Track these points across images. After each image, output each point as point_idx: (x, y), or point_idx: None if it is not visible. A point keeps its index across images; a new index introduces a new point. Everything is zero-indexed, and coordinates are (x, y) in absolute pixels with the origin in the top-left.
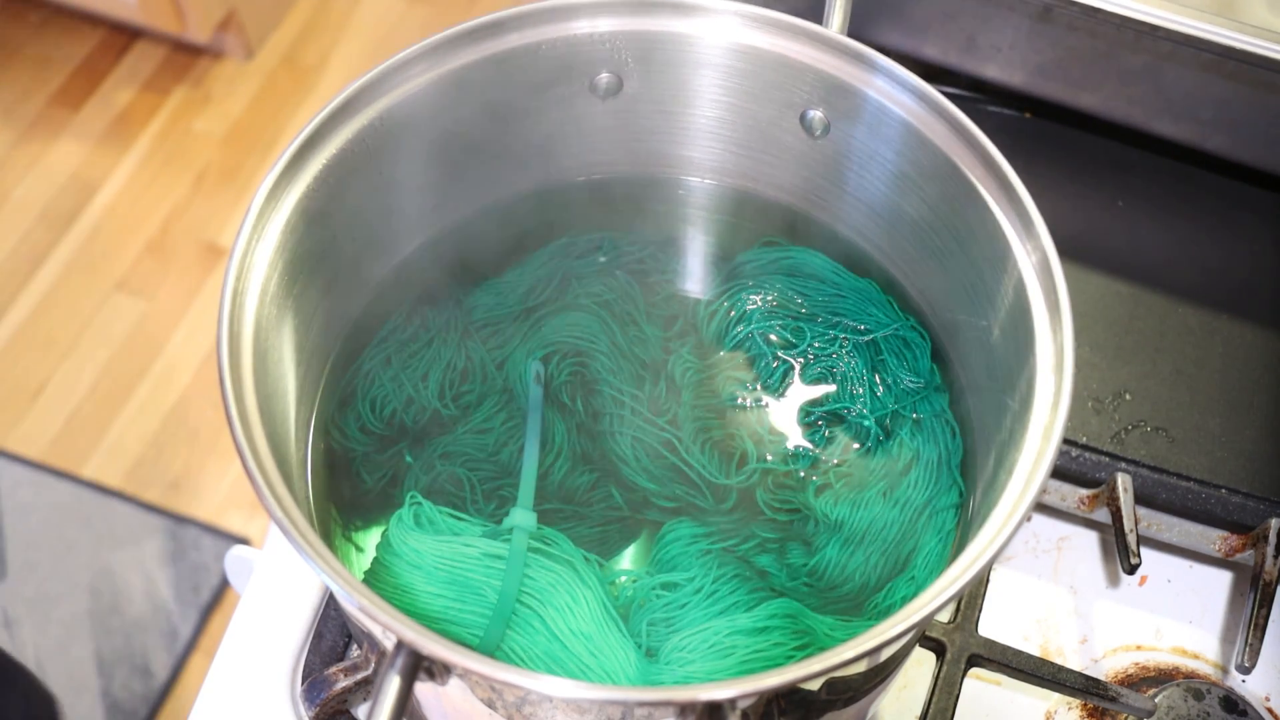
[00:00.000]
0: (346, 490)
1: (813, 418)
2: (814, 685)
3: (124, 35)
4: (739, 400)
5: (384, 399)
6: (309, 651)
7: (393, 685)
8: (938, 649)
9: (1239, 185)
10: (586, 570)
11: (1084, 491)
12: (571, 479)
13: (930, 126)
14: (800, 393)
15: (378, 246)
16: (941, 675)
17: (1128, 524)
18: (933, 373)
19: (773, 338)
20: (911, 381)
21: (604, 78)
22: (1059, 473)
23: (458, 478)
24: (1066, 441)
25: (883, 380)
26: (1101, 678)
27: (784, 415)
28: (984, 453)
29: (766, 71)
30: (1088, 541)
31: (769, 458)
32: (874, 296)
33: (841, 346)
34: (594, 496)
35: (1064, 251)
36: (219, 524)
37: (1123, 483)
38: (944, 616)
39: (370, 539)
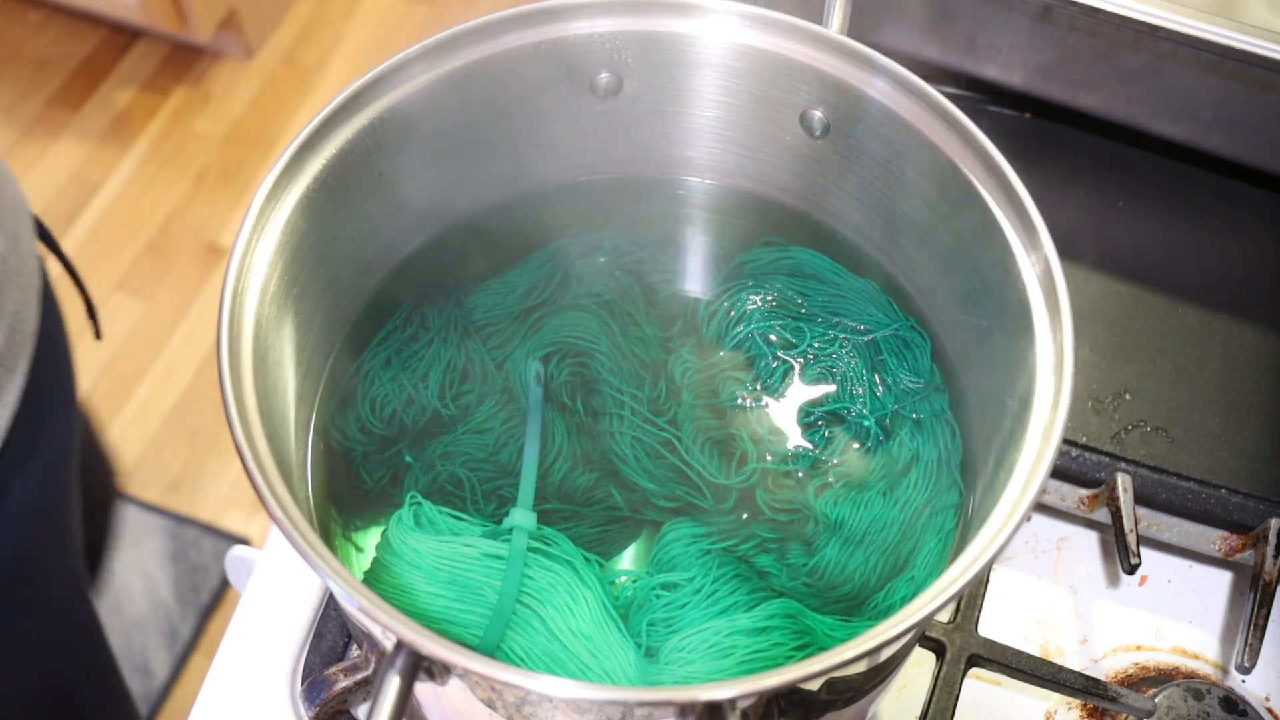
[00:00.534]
0: (346, 490)
1: (812, 418)
2: (814, 685)
3: (124, 35)
4: (739, 400)
5: (384, 399)
6: (309, 651)
7: (392, 685)
8: (938, 649)
9: (1239, 185)
10: (586, 570)
11: (1084, 491)
12: (571, 479)
13: (930, 126)
14: (800, 393)
15: (378, 246)
16: (941, 675)
17: (1128, 524)
18: (933, 373)
19: (773, 338)
20: (911, 381)
21: (604, 78)
22: (1059, 473)
23: (458, 478)
24: (1066, 441)
25: (883, 380)
26: (1101, 678)
27: (784, 415)
28: (984, 453)
29: (766, 71)
30: (1088, 541)
31: (769, 458)
32: (874, 296)
33: (841, 346)
34: (594, 496)
35: (1064, 251)
36: (219, 524)
37: (1123, 483)
38: (944, 616)
39: (370, 539)
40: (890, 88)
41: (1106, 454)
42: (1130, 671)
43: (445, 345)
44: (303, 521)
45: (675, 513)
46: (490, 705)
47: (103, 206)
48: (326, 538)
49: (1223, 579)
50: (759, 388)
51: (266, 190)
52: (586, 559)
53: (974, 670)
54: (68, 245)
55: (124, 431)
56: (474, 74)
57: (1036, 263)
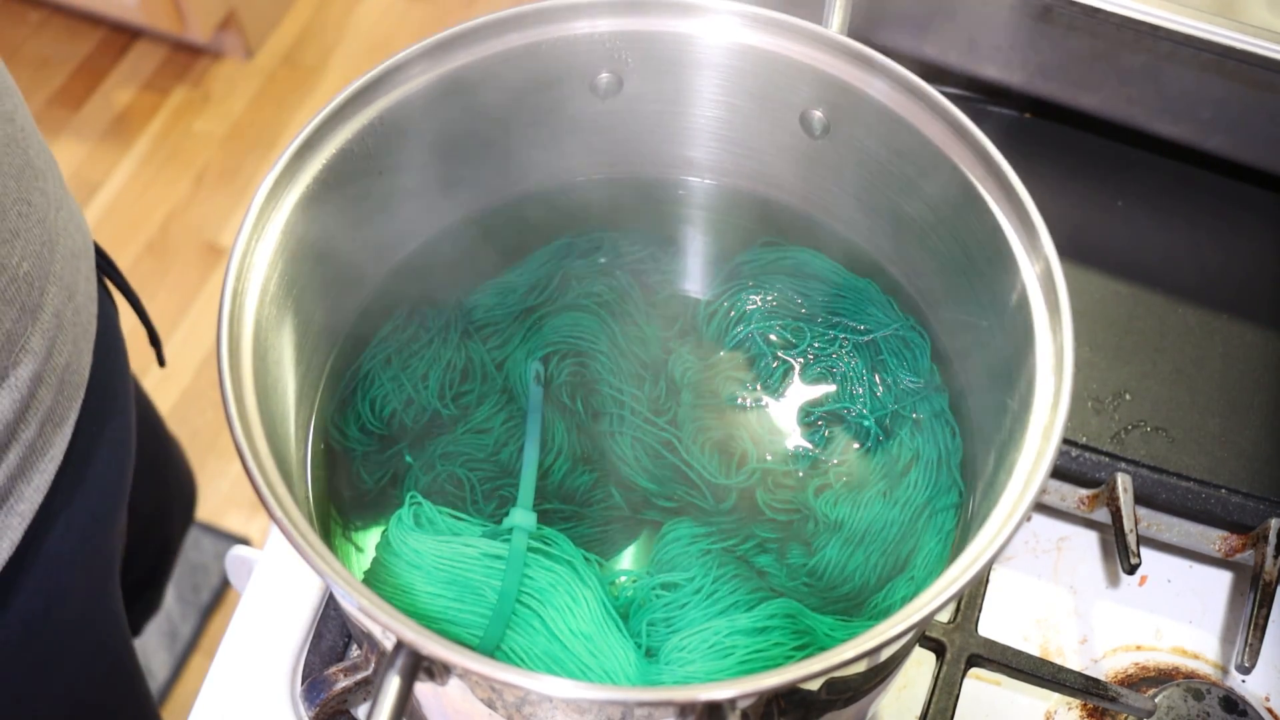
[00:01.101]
0: (346, 490)
1: (813, 418)
2: (814, 685)
3: (124, 35)
4: (739, 400)
5: (384, 399)
6: (309, 651)
7: (392, 685)
8: (938, 649)
9: (1239, 185)
10: (586, 570)
11: (1084, 491)
12: (571, 479)
13: (930, 127)
14: (800, 393)
15: (377, 246)
16: (941, 675)
17: (1128, 524)
18: (933, 373)
19: (773, 338)
20: (911, 381)
21: (604, 78)
22: (1059, 473)
23: (458, 478)
24: (1066, 441)
25: (883, 380)
26: (1101, 678)
27: (784, 415)
28: (984, 453)
29: (766, 71)
30: (1088, 541)
31: (769, 458)
32: (874, 296)
33: (841, 346)
34: (594, 496)
35: (1064, 251)
36: (219, 524)
37: (1123, 483)
38: (944, 616)
39: (370, 539)
40: (890, 88)
41: (1106, 454)
42: (1130, 671)
43: (445, 345)
44: (303, 521)
45: (675, 513)
46: (490, 705)
47: (103, 206)
48: (326, 538)
49: (1223, 579)
50: (759, 388)
51: (266, 190)
52: (586, 559)
53: (974, 670)
54: None
55: None
56: (474, 74)
57: (1036, 263)
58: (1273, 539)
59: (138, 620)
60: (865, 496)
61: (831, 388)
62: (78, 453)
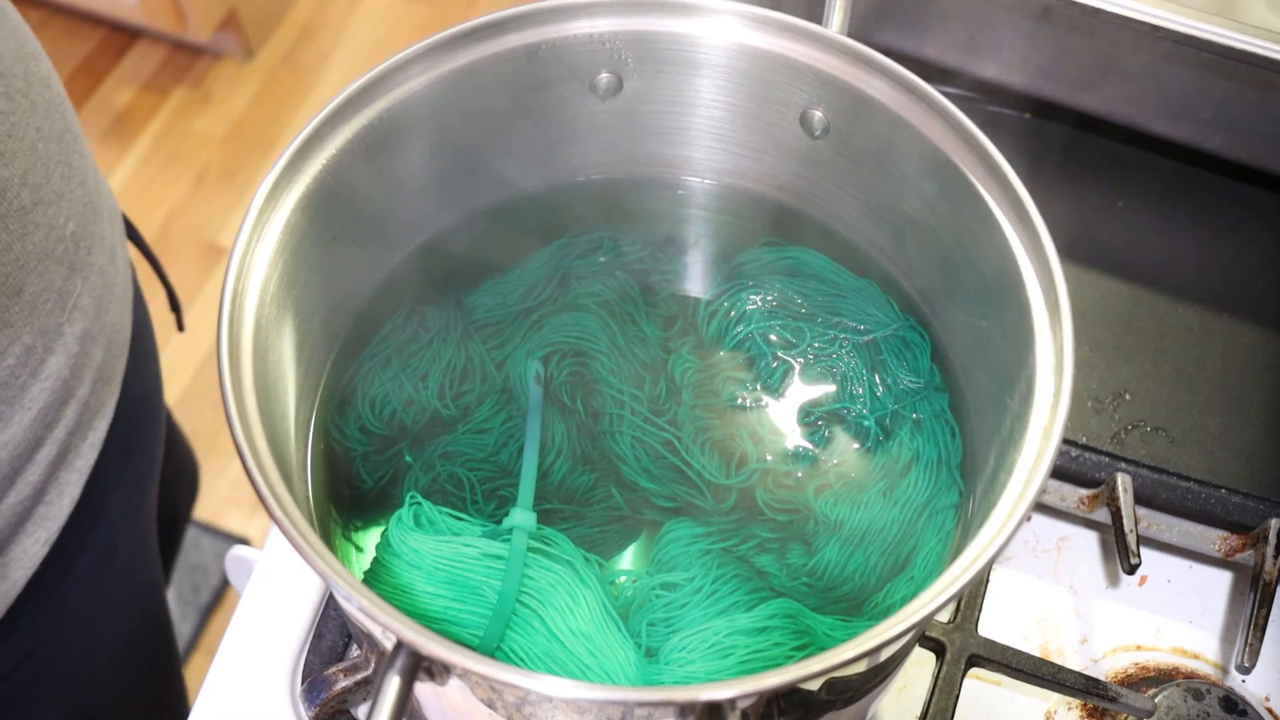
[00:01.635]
0: (346, 490)
1: (812, 418)
2: (814, 685)
3: (124, 35)
4: (739, 400)
5: (384, 399)
6: (309, 651)
7: (392, 685)
8: (938, 649)
9: (1239, 185)
10: (586, 570)
11: (1084, 491)
12: (571, 479)
13: (930, 126)
14: (800, 393)
15: (378, 246)
16: (941, 675)
17: (1128, 524)
18: (933, 373)
19: (773, 338)
20: (911, 381)
21: (604, 78)
22: (1059, 473)
23: (457, 478)
24: (1066, 441)
25: (883, 380)
26: (1101, 678)
27: (784, 415)
28: (984, 453)
29: (766, 71)
30: (1088, 541)
31: (769, 458)
32: (874, 296)
33: (841, 346)
34: (594, 496)
35: (1064, 251)
36: (219, 524)
37: (1123, 483)
38: (944, 616)
39: (370, 539)
40: (890, 88)
41: (1106, 454)
42: (1130, 671)
43: (445, 345)
44: (303, 521)
45: (675, 513)
46: (490, 705)
47: None
48: (326, 538)
49: (1223, 579)
50: (759, 388)
51: (266, 190)
52: (586, 559)
53: (974, 670)
54: None
55: None
56: (474, 74)
57: (1036, 263)
58: (1273, 539)
59: None
60: (865, 496)
61: (831, 388)
62: (123, 412)
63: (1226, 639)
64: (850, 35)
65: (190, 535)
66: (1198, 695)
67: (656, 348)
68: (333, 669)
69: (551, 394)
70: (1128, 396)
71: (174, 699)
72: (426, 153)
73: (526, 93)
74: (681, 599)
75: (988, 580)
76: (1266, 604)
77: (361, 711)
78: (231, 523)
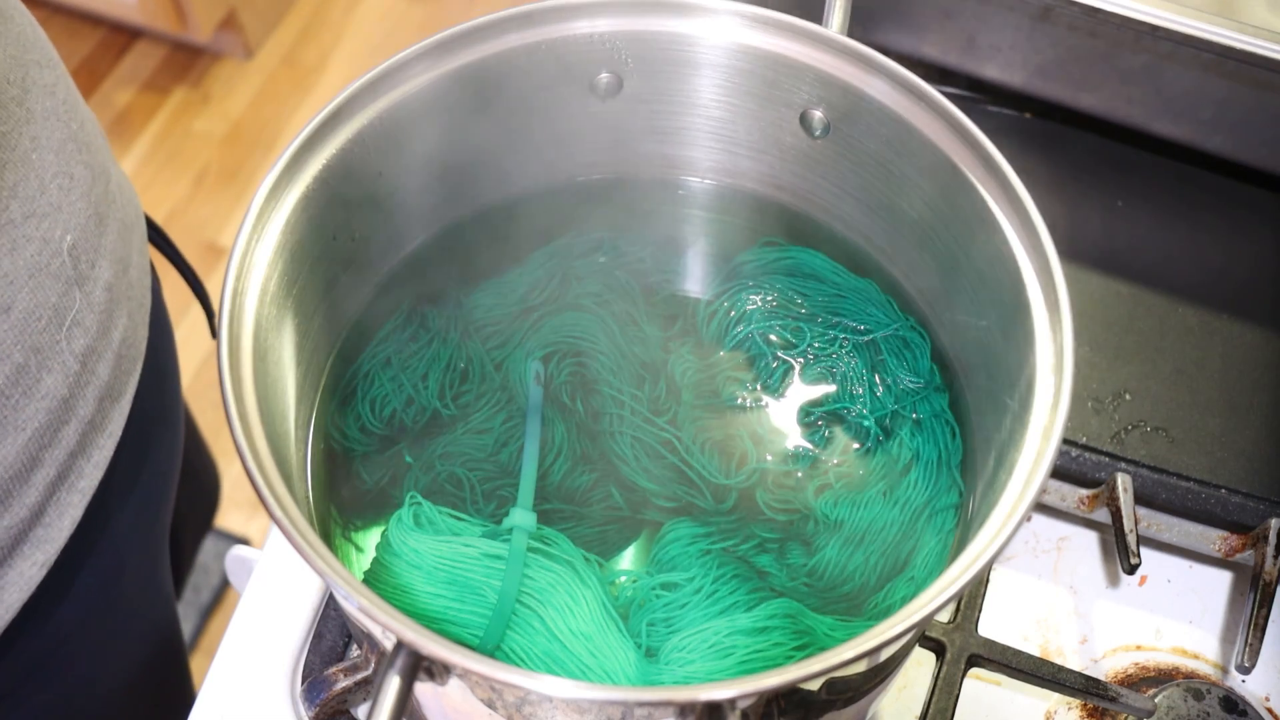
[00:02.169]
0: (346, 490)
1: (812, 418)
2: (814, 685)
3: (124, 35)
4: (739, 400)
5: (384, 399)
6: (309, 651)
7: (392, 685)
8: (938, 649)
9: (1239, 185)
10: (586, 570)
11: (1084, 491)
12: (571, 479)
13: (930, 126)
14: (800, 393)
15: (378, 246)
16: (941, 675)
17: (1128, 524)
18: (933, 373)
19: (773, 338)
20: (911, 381)
21: (604, 78)
22: (1059, 473)
23: (457, 478)
24: (1066, 441)
25: (883, 380)
26: (1101, 678)
27: (784, 415)
28: (984, 453)
29: (766, 71)
30: (1088, 541)
31: (769, 458)
32: (874, 296)
33: (841, 346)
34: (594, 496)
35: (1064, 251)
36: (219, 524)
37: (1123, 483)
38: (944, 616)
39: (370, 539)
40: (890, 88)
41: (1106, 454)
42: (1130, 671)
43: (445, 345)
44: (303, 521)
45: (675, 513)
46: (490, 705)
47: None
48: (326, 538)
49: (1223, 579)
50: (759, 388)
51: (266, 190)
52: (586, 559)
53: (974, 670)
54: None
55: None
56: (474, 74)
57: (1036, 263)
58: (1273, 539)
59: None
60: (865, 496)
61: (831, 388)
62: (135, 430)
63: (1226, 639)
64: (850, 35)
65: None
66: (1198, 695)
67: (656, 348)
68: (333, 669)
69: (551, 394)
70: (1128, 396)
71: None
72: (426, 153)
73: (526, 93)
74: (681, 599)
75: (988, 580)
76: (1266, 604)
77: (361, 711)
78: (231, 523)
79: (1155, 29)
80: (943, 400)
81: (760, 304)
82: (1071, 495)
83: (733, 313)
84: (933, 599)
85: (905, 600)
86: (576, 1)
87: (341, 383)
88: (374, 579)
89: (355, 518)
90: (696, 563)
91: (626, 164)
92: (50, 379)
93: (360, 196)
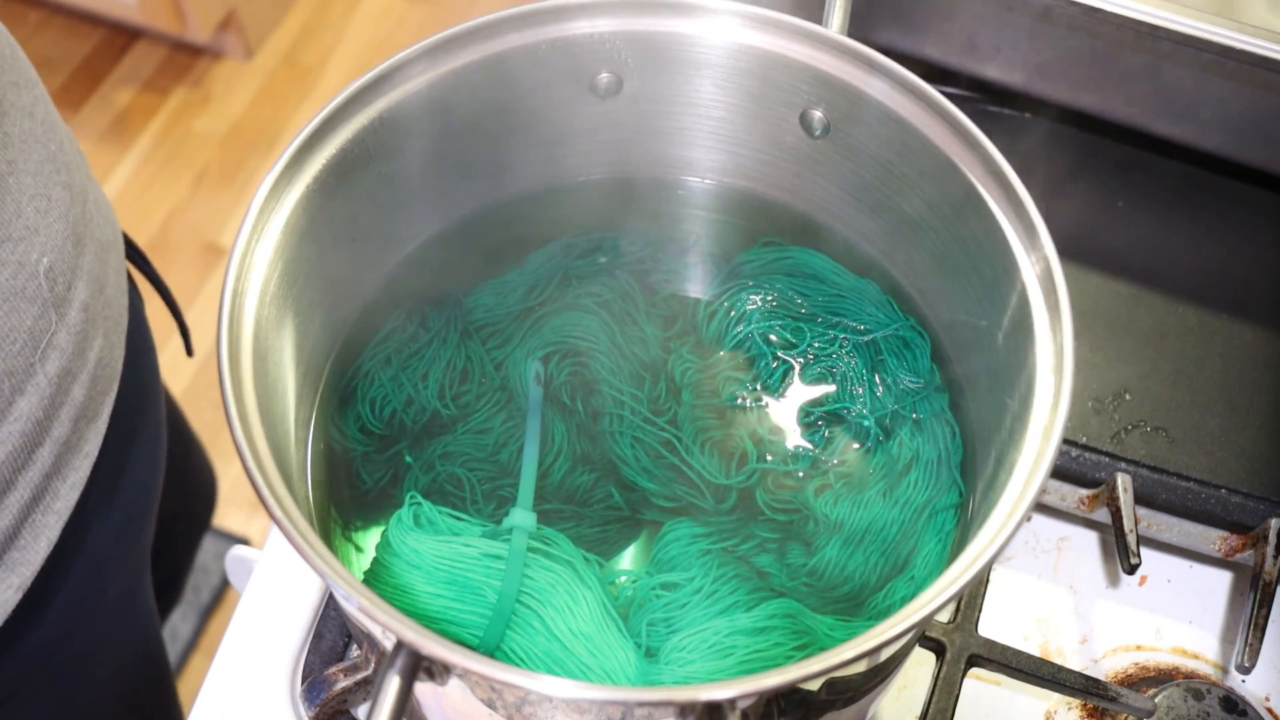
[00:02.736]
0: (346, 490)
1: (812, 418)
2: (814, 685)
3: (124, 35)
4: (739, 400)
5: (384, 399)
6: (309, 651)
7: (392, 685)
8: (938, 649)
9: (1239, 185)
10: (586, 570)
11: (1084, 491)
12: (571, 479)
13: (930, 127)
14: (800, 393)
15: (378, 246)
16: (941, 675)
17: (1128, 524)
18: (933, 373)
19: (773, 338)
20: (911, 381)
21: (604, 78)
22: (1059, 473)
23: (457, 478)
24: (1066, 441)
25: (883, 380)
26: (1101, 678)
27: (784, 415)
28: (984, 453)
29: (766, 71)
30: (1088, 541)
31: (769, 458)
32: (874, 296)
33: (841, 346)
34: (594, 496)
35: (1064, 251)
36: (219, 524)
37: (1123, 483)
38: (944, 616)
39: (370, 539)
40: (890, 88)
41: (1106, 454)
42: (1130, 671)
43: (445, 345)
44: (303, 521)
45: (675, 513)
46: (490, 705)
47: None
48: (326, 538)
49: (1223, 579)
50: (759, 388)
51: (266, 190)
52: (586, 559)
53: (974, 670)
54: None
55: None
56: (474, 74)
57: (1036, 263)
58: (1273, 539)
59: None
60: (865, 496)
61: (831, 388)
62: (112, 448)
63: (1226, 639)
64: (850, 35)
65: None
66: (1198, 695)
67: (656, 348)
68: (333, 669)
69: (551, 394)
70: (1128, 396)
71: None
72: (426, 153)
73: (526, 93)
74: (681, 599)
75: (988, 580)
76: (1266, 604)
77: (361, 711)
78: (231, 523)
79: (1155, 29)
80: (943, 400)
81: (760, 304)
82: (1071, 495)
83: (733, 313)
84: (933, 599)
85: (905, 600)
86: (576, 1)
87: (341, 383)
88: (374, 579)
89: (355, 518)
90: (696, 563)
91: (626, 164)
92: (24, 402)
93: (360, 196)
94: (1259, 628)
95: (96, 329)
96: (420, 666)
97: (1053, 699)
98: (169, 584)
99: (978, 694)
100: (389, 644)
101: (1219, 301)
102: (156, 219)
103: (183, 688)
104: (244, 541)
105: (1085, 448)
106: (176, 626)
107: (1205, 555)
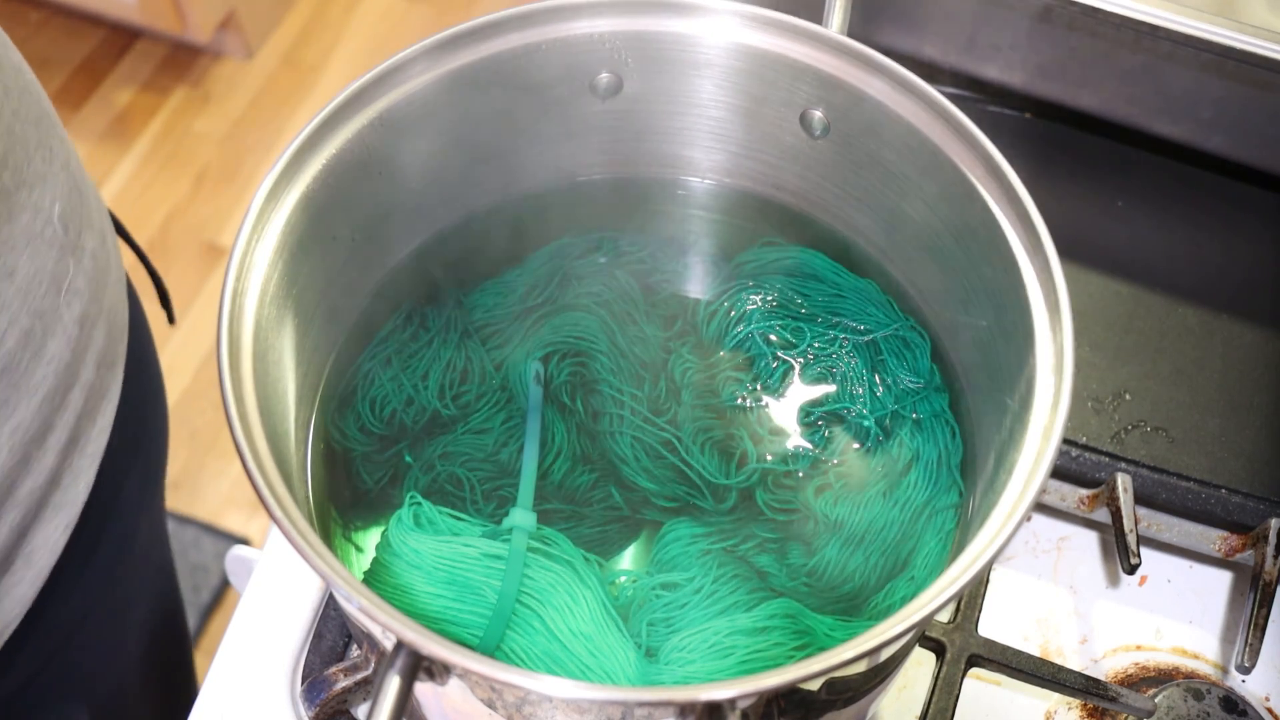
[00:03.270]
0: (346, 490)
1: (812, 418)
2: (814, 685)
3: (124, 35)
4: (739, 400)
5: (384, 399)
6: (309, 651)
7: (392, 685)
8: (938, 649)
9: (1239, 185)
10: (586, 570)
11: (1084, 491)
12: (571, 479)
13: (930, 126)
14: (800, 393)
15: (377, 246)
16: (941, 675)
17: (1128, 524)
18: (933, 373)
19: (773, 338)
20: (911, 381)
21: (604, 78)
22: (1059, 473)
23: (457, 478)
24: (1066, 441)
25: (883, 380)
26: (1101, 678)
27: (784, 415)
28: (984, 453)
29: (766, 71)
30: (1088, 541)
31: (769, 458)
32: (874, 296)
33: (841, 346)
34: (594, 496)
35: (1064, 251)
36: (219, 524)
37: (1123, 483)
38: (944, 616)
39: (370, 539)
40: (890, 88)
41: (1106, 454)
42: (1130, 671)
43: (445, 345)
44: (303, 521)
45: (675, 513)
46: (490, 705)
47: None
48: (326, 538)
49: (1223, 579)
50: (759, 388)
51: (266, 190)
52: (586, 559)
53: (974, 670)
54: None
55: None
56: (474, 74)
57: (1036, 263)
58: (1273, 539)
59: None
60: (865, 496)
61: (831, 388)
62: (128, 397)
63: (1226, 639)
64: (850, 35)
65: (190, 535)
66: (1198, 695)
67: (656, 348)
68: (333, 669)
69: (551, 394)
70: (1128, 396)
71: (187, 688)
72: (426, 153)
73: (526, 93)
74: (681, 599)
75: (988, 580)
76: (1266, 604)
77: (361, 711)
78: (231, 523)
79: (1155, 29)
80: (943, 400)
81: (760, 304)
82: (1071, 495)
83: (733, 313)
84: (933, 599)
85: (905, 600)
86: (576, 1)
87: (342, 382)
88: (374, 579)
89: (355, 518)
90: (696, 563)
91: (626, 164)
92: (54, 343)
93: (360, 196)
94: (1259, 628)
95: (108, 275)
96: (420, 666)
97: (1053, 699)
98: None
99: (978, 694)
100: (389, 644)
101: (1219, 301)
102: (156, 219)
103: None
104: (244, 541)
105: (1085, 448)
106: None
107: (1205, 555)
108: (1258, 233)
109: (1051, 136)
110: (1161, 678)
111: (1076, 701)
